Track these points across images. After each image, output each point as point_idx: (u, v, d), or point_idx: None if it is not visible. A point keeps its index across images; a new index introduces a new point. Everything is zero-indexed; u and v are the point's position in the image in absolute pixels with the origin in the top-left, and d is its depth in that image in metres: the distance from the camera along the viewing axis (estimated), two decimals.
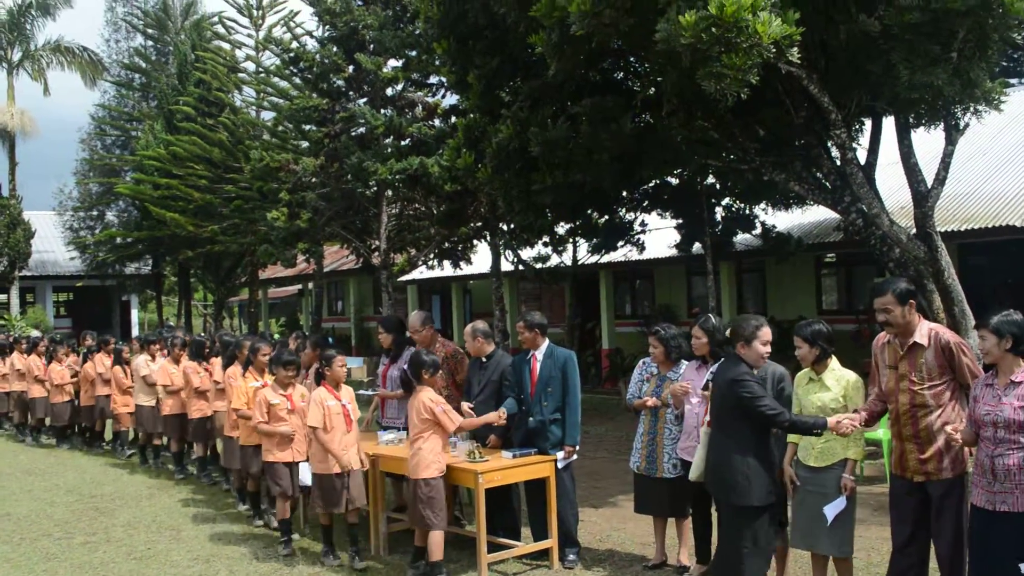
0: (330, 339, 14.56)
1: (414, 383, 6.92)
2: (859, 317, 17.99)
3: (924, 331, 5.40)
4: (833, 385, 5.72)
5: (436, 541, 6.69)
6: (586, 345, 22.44)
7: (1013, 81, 13.41)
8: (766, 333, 5.52)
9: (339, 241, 24.00)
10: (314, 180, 21.15)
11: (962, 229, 14.90)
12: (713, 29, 7.78)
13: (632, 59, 11.84)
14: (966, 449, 5.21)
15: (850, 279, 19.51)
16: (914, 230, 11.34)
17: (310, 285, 32.48)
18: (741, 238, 17.91)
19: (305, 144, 22.24)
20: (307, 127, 21.73)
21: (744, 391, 5.32)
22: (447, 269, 23.26)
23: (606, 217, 17.81)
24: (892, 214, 11.29)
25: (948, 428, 5.06)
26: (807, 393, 5.78)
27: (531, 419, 7.13)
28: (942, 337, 5.36)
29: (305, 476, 7.78)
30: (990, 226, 14.77)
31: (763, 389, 5.43)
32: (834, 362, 5.82)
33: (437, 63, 15.81)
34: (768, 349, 5.54)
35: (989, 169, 17.01)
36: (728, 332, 5.66)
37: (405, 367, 7.23)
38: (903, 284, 5.43)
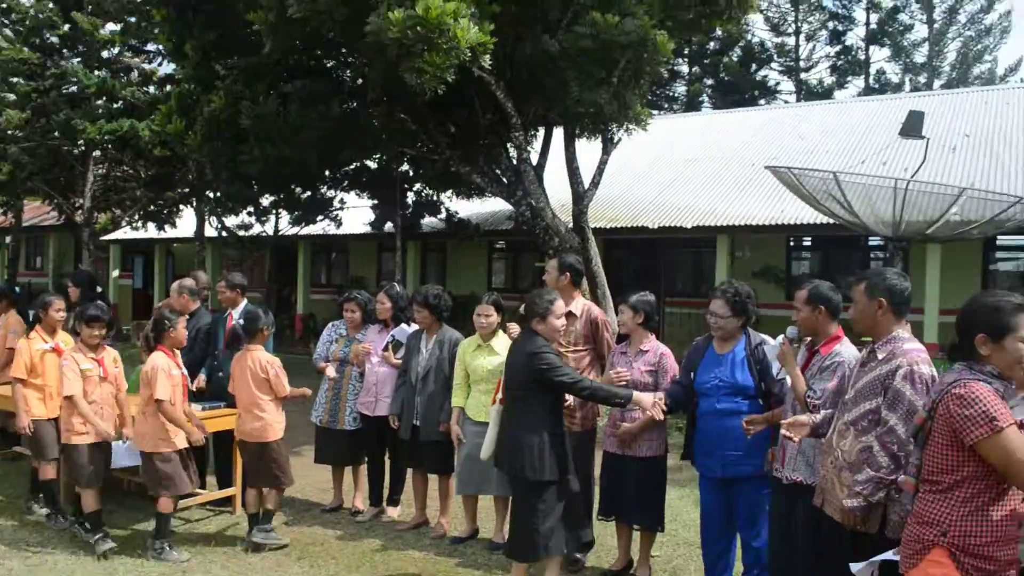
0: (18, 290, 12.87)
1: (245, 340, 5.93)
2: (523, 296, 18.66)
3: (579, 305, 5.56)
4: (501, 350, 5.74)
5: (278, 497, 5.99)
6: (282, 309, 21.68)
7: (655, 112, 14.49)
8: (560, 307, 4.91)
9: (41, 196, 21.36)
10: (19, 134, 18.63)
11: (608, 227, 15.79)
12: (418, 28, 7.68)
13: (343, 48, 11.47)
14: (595, 407, 5.44)
15: (517, 262, 20.19)
16: (571, 224, 11.90)
17: (7, 239, 28.72)
18: (428, 221, 17.99)
19: (12, 97, 19.52)
20: (15, 80, 19.08)
21: (542, 363, 4.68)
22: (151, 231, 21.49)
23: (308, 193, 17.26)
24: (555, 209, 11.77)
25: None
26: (475, 358, 5.74)
27: (220, 374, 6.66)
28: (592, 312, 5.55)
29: (123, 457, 6.12)
30: (629, 226, 15.82)
31: (560, 360, 4.82)
32: (500, 331, 5.86)
33: (156, 31, 14.57)
34: (563, 322, 4.96)
35: (632, 180, 18.20)
36: (522, 309, 4.97)
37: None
38: (568, 259, 5.60)
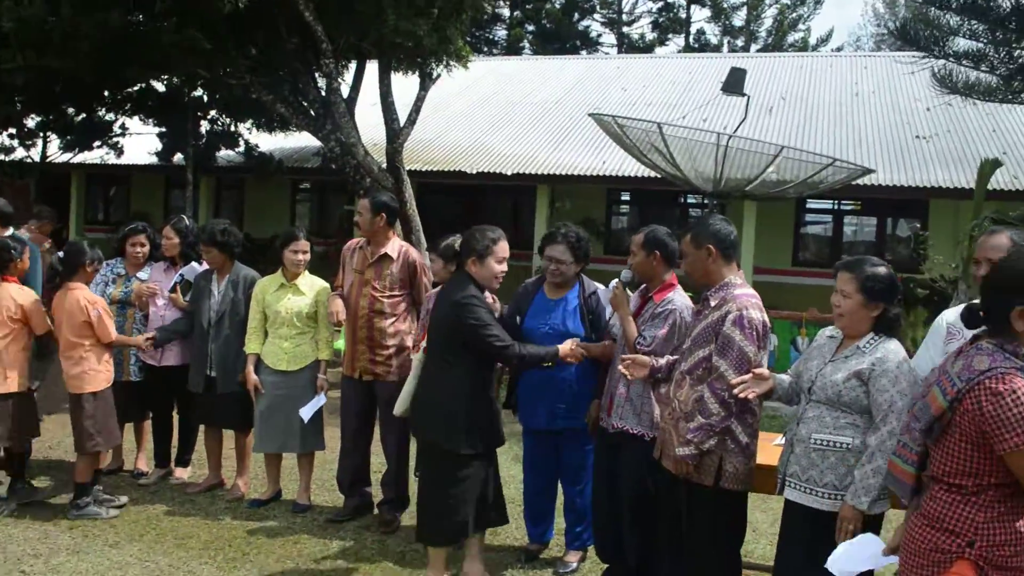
0: None
1: (65, 276, 5.41)
2: (328, 240, 18.23)
3: (395, 246, 5.41)
4: (307, 291, 5.54)
5: (88, 464, 5.38)
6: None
7: (475, 55, 14.40)
8: (503, 248, 4.36)
9: None
10: None
11: (424, 169, 15.67)
12: None
13: None
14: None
15: (323, 204, 19.66)
16: (385, 164, 11.65)
17: None
18: (224, 154, 17.15)
19: None
20: None
21: (470, 317, 4.19)
22: None
23: (83, 114, 15.91)
24: (367, 148, 11.48)
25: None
26: (276, 300, 5.50)
27: None
28: (409, 254, 5.42)
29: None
30: (447, 169, 15.79)
31: (492, 316, 4.31)
32: (307, 273, 5.65)
33: None
34: (504, 268, 4.39)
35: (450, 122, 18.12)
36: (457, 244, 4.50)
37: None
38: (382, 198, 5.42)
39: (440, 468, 4.33)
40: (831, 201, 16.51)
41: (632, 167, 14.54)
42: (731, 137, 9.57)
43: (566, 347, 4.36)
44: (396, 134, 11.53)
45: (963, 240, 9.65)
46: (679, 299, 4.27)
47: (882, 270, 3.38)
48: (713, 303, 3.78)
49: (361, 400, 5.45)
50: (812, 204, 16.65)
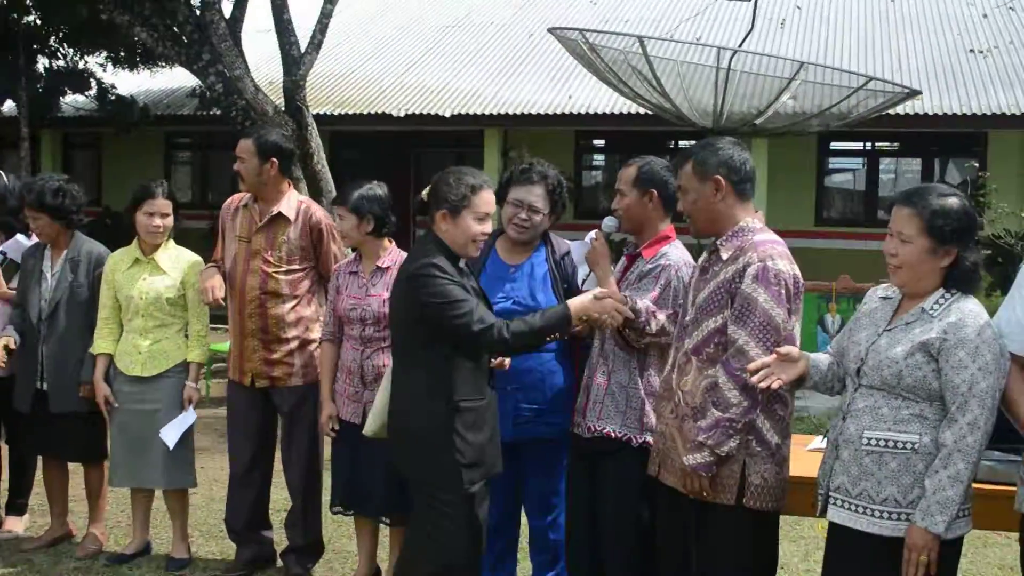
0: None
1: None
2: (214, 213, 18.01)
3: (293, 203, 5.30)
4: (170, 268, 5.40)
5: None
6: None
7: None
8: (486, 200, 4.05)
9: None
10: None
11: (336, 113, 15.59)
12: None
13: None
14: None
15: (207, 165, 19.55)
16: (283, 104, 11.42)
17: None
18: (71, 100, 17.04)
19: None
20: None
21: (429, 293, 3.86)
22: None
23: None
24: (259, 84, 11.25)
25: None
26: (130, 280, 5.36)
27: None
28: (313, 214, 5.32)
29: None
30: (366, 112, 15.72)
31: (463, 290, 3.95)
32: (171, 242, 5.54)
33: None
34: (487, 228, 4.10)
35: (370, 52, 18.05)
36: (425, 193, 4.17)
37: None
38: (270, 137, 5.31)
39: (420, 506, 4.07)
40: (861, 141, 16.58)
41: (607, 101, 14.54)
42: (735, 53, 9.58)
43: (585, 302, 4.00)
44: (296, 61, 11.31)
45: None
46: (675, 253, 4.25)
47: (954, 201, 3.26)
48: (725, 255, 3.70)
49: (255, 415, 5.36)
50: (838, 145, 16.78)
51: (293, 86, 11.30)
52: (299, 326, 5.25)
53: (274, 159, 5.21)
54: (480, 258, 4.71)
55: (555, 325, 3.99)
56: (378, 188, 5.03)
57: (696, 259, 4.14)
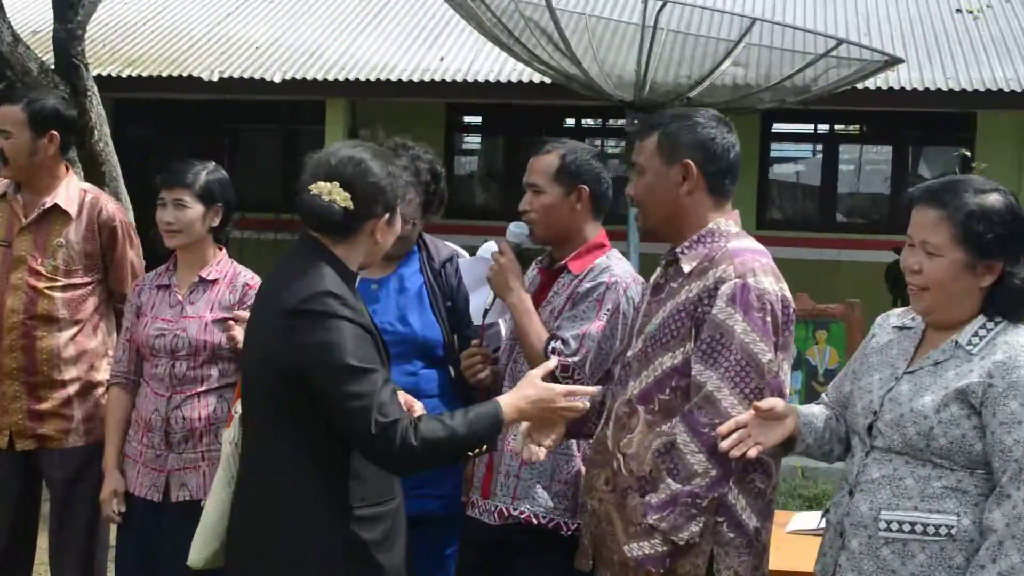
0: None
1: None
2: None
3: (74, 192, 5.25)
4: None
5: None
6: None
7: None
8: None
9: None
10: None
11: (125, 75, 15.29)
12: None
13: None
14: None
15: None
16: (52, 60, 11.09)
17: None
18: None
19: None
20: None
21: (321, 343, 3.37)
22: None
23: None
24: (20, 35, 10.95)
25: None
26: None
27: None
28: (103, 208, 5.26)
29: None
30: (165, 75, 15.42)
31: (371, 341, 3.51)
32: None
33: None
34: (395, 230, 3.74)
35: None
36: (341, 195, 3.51)
37: None
38: (46, 101, 5.20)
39: None
40: (815, 123, 16.91)
41: (490, 65, 14.59)
42: (665, 5, 9.60)
43: (524, 401, 3.62)
44: (71, 4, 10.95)
45: None
46: (620, 266, 4.29)
47: (997, 199, 3.23)
48: (687, 267, 3.63)
49: (14, 487, 5.24)
50: (785, 127, 17.16)
51: (67, 36, 10.98)
52: (81, 363, 5.16)
53: (54, 132, 5.12)
54: None
55: (483, 434, 3.50)
56: (219, 172, 5.00)
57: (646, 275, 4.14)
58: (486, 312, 4.46)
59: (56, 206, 5.13)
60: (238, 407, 3.92)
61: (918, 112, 15.21)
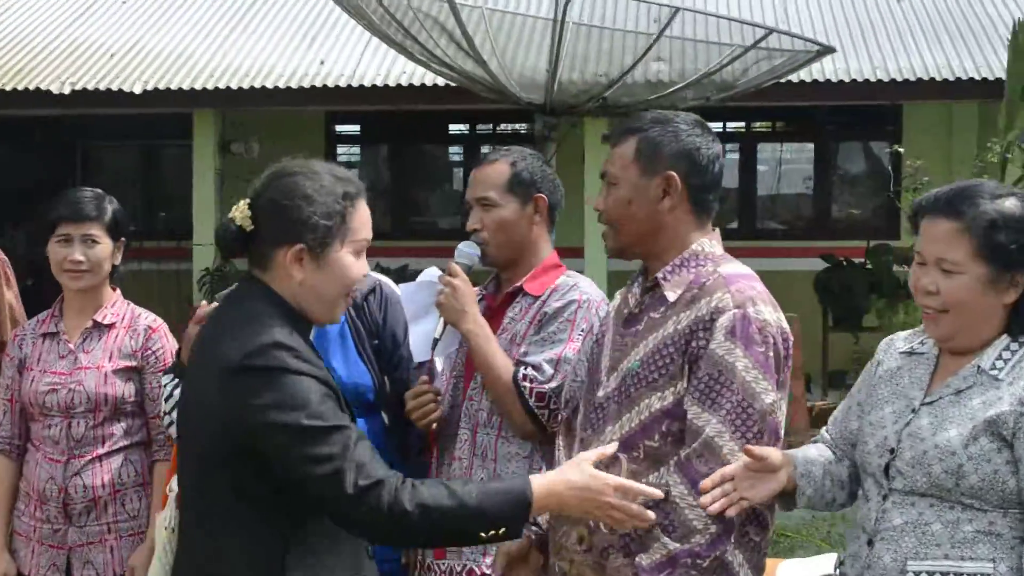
0: None
1: None
2: None
3: None
4: None
5: None
6: None
7: None
8: (364, 215, 3.39)
9: None
10: None
11: None
12: None
13: None
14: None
15: None
16: None
17: None
18: None
19: None
20: None
21: (273, 404, 3.10)
22: None
23: None
24: None
25: None
26: None
27: None
28: None
29: None
30: (7, 88, 15.15)
31: (334, 404, 3.24)
32: None
33: None
34: (364, 266, 3.46)
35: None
36: (242, 215, 3.29)
37: None
38: None
39: None
40: (725, 121, 16.97)
41: (375, 67, 14.46)
42: None
43: (569, 488, 3.27)
44: None
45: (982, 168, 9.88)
46: (586, 284, 4.31)
47: (1016, 205, 3.21)
48: (672, 295, 3.52)
49: None
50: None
51: None
52: None
53: None
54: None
55: (501, 513, 3.19)
56: (108, 201, 4.95)
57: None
58: (435, 342, 4.40)
59: None
60: (173, 485, 3.81)
61: (841, 105, 15.33)
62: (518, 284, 4.28)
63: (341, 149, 18.73)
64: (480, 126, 17.76)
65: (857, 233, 15.27)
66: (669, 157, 3.53)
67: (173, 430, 4.25)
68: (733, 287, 3.43)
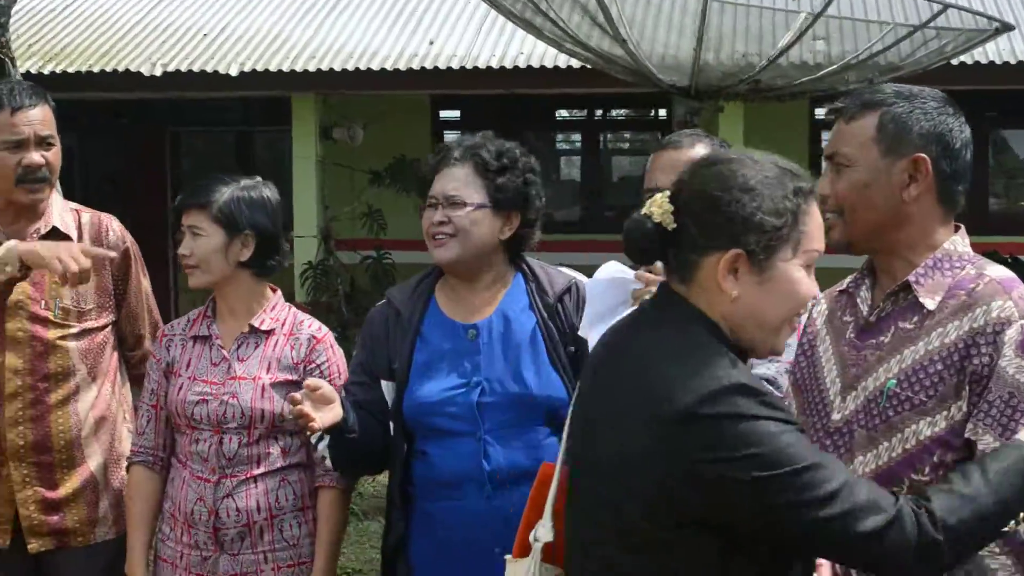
0: None
1: None
2: None
3: (68, 213, 5.03)
4: None
5: None
6: None
7: None
8: (817, 219, 3.08)
9: None
10: None
11: (48, 71, 15.02)
12: None
13: None
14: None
15: None
16: None
17: None
18: None
19: None
20: None
21: (745, 456, 2.74)
22: None
23: None
24: None
25: None
26: None
27: None
28: (110, 226, 5.07)
29: None
30: (96, 69, 15.26)
31: (800, 438, 2.92)
32: None
33: None
34: (815, 287, 3.20)
35: None
36: (660, 210, 3.05)
37: None
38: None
39: None
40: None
41: (492, 47, 14.47)
42: None
43: None
44: None
45: None
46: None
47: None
48: (931, 303, 3.27)
49: None
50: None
51: None
52: (102, 432, 4.90)
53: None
54: (412, 311, 4.49)
55: (1020, 494, 2.94)
56: (264, 188, 4.78)
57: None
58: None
59: (55, 230, 4.85)
60: (540, 534, 3.39)
61: (1002, 90, 15.19)
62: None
63: (447, 136, 18.76)
64: (617, 110, 18.09)
65: (1021, 228, 15.10)
66: (918, 137, 3.30)
67: (326, 456, 4.24)
68: (1014, 293, 3.22)
